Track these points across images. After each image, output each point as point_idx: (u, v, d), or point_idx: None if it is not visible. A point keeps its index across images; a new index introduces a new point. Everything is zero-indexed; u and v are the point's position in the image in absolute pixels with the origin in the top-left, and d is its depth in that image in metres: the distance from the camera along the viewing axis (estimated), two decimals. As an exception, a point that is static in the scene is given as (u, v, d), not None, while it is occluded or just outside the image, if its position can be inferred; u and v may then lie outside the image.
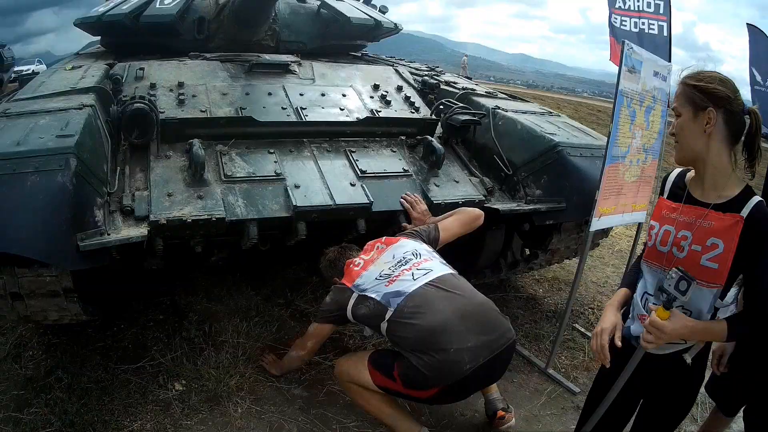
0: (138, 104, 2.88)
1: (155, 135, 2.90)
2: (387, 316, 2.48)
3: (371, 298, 2.56)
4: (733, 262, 1.63)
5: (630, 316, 1.98)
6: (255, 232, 2.79)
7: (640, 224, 3.49)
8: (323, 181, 3.07)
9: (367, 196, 3.04)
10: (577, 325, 4.08)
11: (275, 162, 3.08)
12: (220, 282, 3.98)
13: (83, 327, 3.40)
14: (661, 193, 1.89)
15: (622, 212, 3.18)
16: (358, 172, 3.19)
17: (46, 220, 2.17)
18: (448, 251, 4.29)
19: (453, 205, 3.18)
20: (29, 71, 17.82)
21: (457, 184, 3.37)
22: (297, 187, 2.98)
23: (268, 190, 2.94)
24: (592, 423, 2.13)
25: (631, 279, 2.01)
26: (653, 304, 1.79)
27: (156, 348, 3.37)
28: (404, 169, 3.32)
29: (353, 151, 3.33)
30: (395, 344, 2.53)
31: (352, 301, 2.63)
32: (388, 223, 3.23)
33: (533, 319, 4.11)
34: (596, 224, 3.03)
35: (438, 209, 3.17)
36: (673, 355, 1.84)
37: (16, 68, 18.05)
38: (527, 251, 3.97)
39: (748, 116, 1.66)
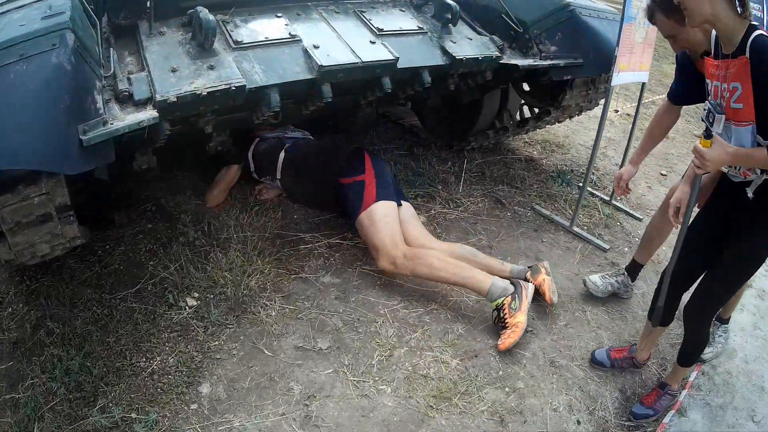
0: None
1: (148, 10, 2.38)
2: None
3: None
4: (757, 100, 1.76)
5: None
6: (277, 100, 2.42)
7: (643, 84, 3.55)
8: (342, 40, 2.68)
9: (390, 52, 2.71)
10: (580, 184, 4.00)
11: (286, 25, 2.63)
12: (206, 176, 3.45)
13: (62, 260, 2.83)
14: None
15: (633, 70, 3.33)
16: (375, 30, 2.82)
17: (39, 115, 1.73)
18: (446, 116, 4.20)
19: (473, 61, 2.99)
20: None
21: (471, 41, 3.13)
22: (316, 47, 2.56)
23: (285, 53, 2.51)
24: (672, 261, 2.21)
25: None
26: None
27: (153, 263, 2.87)
28: (419, 27, 3.00)
29: (363, 12, 2.95)
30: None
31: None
32: (410, 83, 2.96)
33: (539, 179, 4.02)
34: (616, 79, 3.17)
35: (460, 64, 2.94)
36: (738, 190, 1.99)
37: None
38: (536, 110, 3.90)
39: None
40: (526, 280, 2.79)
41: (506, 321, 2.57)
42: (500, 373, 2.46)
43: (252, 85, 2.30)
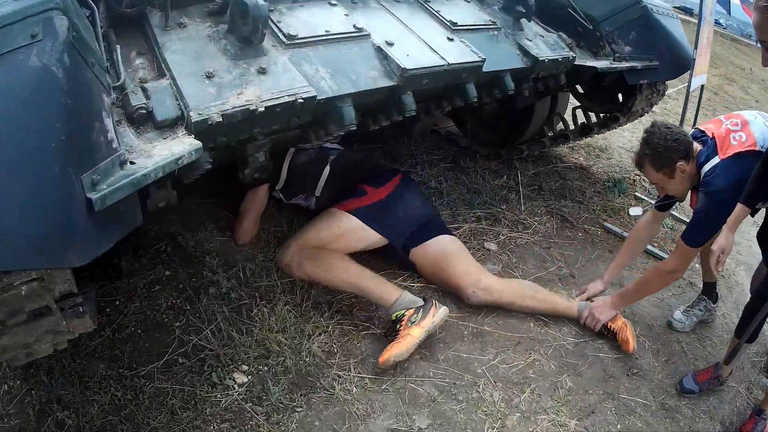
0: None
1: None
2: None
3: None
4: None
5: None
6: (352, 115, 1.84)
7: (702, 86, 3.40)
8: (416, 36, 2.14)
9: (475, 52, 2.20)
10: (637, 193, 3.70)
11: (346, 15, 2.04)
12: (229, 202, 2.82)
13: None
14: None
15: (700, 73, 3.25)
16: (449, 24, 2.29)
17: (12, 169, 1.04)
18: (491, 123, 3.75)
19: (553, 63, 2.55)
20: None
21: (544, 39, 2.68)
22: (390, 44, 2.00)
23: (353, 51, 1.93)
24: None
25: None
26: None
27: (179, 323, 2.25)
28: (492, 21, 2.50)
29: (428, 0, 2.38)
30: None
31: None
32: (490, 89, 2.46)
33: (597, 190, 3.63)
34: (695, 82, 3.14)
35: (542, 67, 2.49)
36: None
37: None
38: (593, 115, 3.55)
39: None
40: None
41: (399, 332, 2.18)
42: (618, 427, 2.14)
43: (322, 96, 1.73)
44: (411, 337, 2.14)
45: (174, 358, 2.13)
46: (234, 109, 1.52)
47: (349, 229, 2.44)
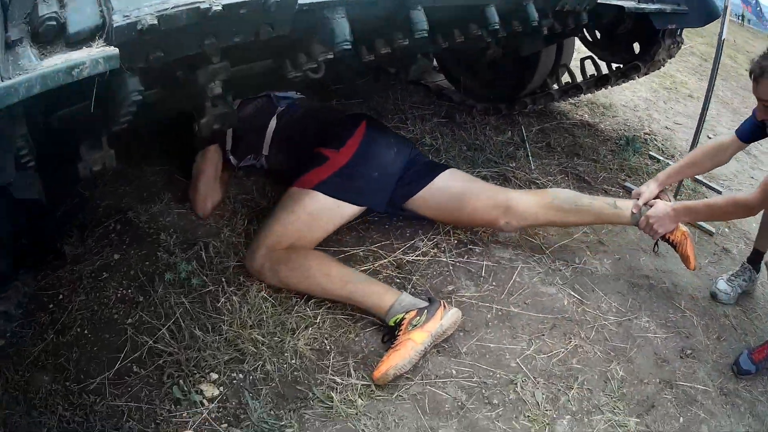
0: None
1: None
2: None
3: None
4: None
5: None
6: (346, 30, 1.37)
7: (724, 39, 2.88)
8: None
9: (495, -31, 1.71)
10: (652, 153, 3.31)
11: None
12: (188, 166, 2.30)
13: None
14: None
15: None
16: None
17: None
18: (487, 76, 3.30)
19: None
20: None
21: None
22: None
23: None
24: None
25: None
26: None
27: (131, 320, 1.78)
28: None
29: None
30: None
31: None
32: (509, 19, 2.00)
33: (610, 149, 3.20)
34: (725, 31, 2.70)
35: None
36: None
37: None
38: (604, 65, 3.15)
39: None
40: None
41: (397, 337, 1.74)
42: (681, 420, 1.81)
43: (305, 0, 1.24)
44: (412, 342, 1.68)
45: (127, 365, 1.68)
46: (177, 8, 1.01)
47: (318, 210, 1.98)
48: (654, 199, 2.19)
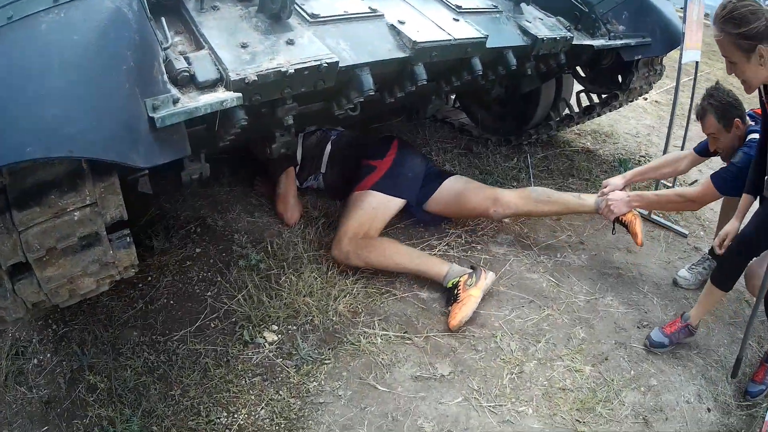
0: None
1: None
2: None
3: None
4: None
5: None
6: (370, 82, 2.04)
7: (697, 63, 3.48)
8: (425, 17, 2.35)
9: (478, 30, 2.40)
10: None
11: None
12: (252, 189, 3.07)
13: (94, 297, 2.27)
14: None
15: (692, 48, 3.27)
16: (454, 7, 2.50)
17: (92, 79, 1.26)
18: (499, 111, 3.96)
19: (552, 41, 2.72)
20: None
21: (543, 22, 2.86)
22: (402, 23, 2.20)
23: (369, 29, 2.14)
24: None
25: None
26: None
27: (211, 293, 2.42)
28: (493, 5, 2.70)
29: None
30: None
31: None
32: (494, 66, 2.65)
33: (603, 170, 3.77)
34: (685, 56, 3.15)
35: (541, 45, 2.66)
36: None
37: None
38: (594, 96, 3.73)
39: None
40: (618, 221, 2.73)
41: (458, 295, 2.37)
42: (632, 373, 2.27)
43: (344, 64, 1.92)
44: (473, 297, 2.34)
45: (206, 322, 2.28)
46: (267, 71, 1.71)
47: (378, 204, 2.65)
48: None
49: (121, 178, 1.63)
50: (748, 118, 2.46)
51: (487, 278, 2.43)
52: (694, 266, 2.82)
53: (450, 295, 2.41)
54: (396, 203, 2.71)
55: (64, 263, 1.50)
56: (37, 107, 1.17)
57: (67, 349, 2.14)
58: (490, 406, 2.03)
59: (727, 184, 2.33)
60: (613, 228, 2.80)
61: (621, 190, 2.72)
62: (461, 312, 2.30)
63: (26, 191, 1.33)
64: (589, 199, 2.76)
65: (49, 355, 2.13)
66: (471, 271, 2.44)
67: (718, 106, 2.43)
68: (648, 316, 2.57)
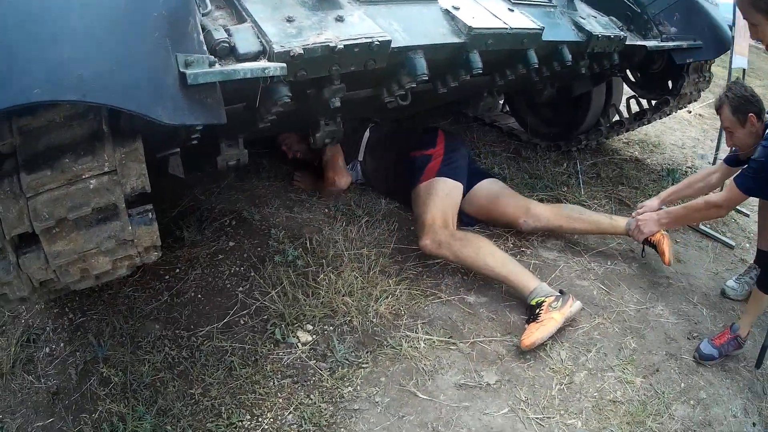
0: None
1: None
2: None
3: None
4: None
5: None
6: (423, 66, 1.91)
7: (744, 70, 3.45)
8: (479, 4, 2.23)
9: (534, 21, 2.27)
10: None
11: None
12: (291, 185, 3.00)
13: (116, 287, 2.23)
14: None
15: (740, 53, 3.24)
16: (510, -1, 2.38)
17: (117, 21, 1.15)
18: (549, 117, 3.88)
19: (607, 39, 2.61)
20: None
21: (597, 20, 2.75)
22: (456, 8, 2.09)
23: (423, 12, 2.03)
24: None
25: None
26: None
27: (242, 289, 2.31)
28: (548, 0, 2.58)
29: None
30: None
31: None
32: (548, 60, 2.52)
33: (652, 179, 3.64)
34: (736, 62, 3.11)
35: (596, 42, 2.55)
36: None
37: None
38: (645, 102, 3.59)
39: None
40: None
41: (539, 315, 2.20)
42: (682, 385, 2.16)
43: (396, 45, 1.80)
44: (554, 320, 2.18)
45: (235, 319, 2.18)
46: (315, 44, 1.58)
47: (450, 190, 2.62)
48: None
49: (150, 154, 1.48)
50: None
51: (573, 306, 2.24)
52: (741, 276, 2.73)
53: (531, 313, 2.26)
54: (460, 189, 2.67)
55: (76, 237, 1.35)
56: (52, 48, 1.05)
57: (82, 339, 2.05)
58: (537, 418, 1.89)
59: (749, 182, 2.17)
60: (643, 250, 2.69)
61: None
62: (538, 332, 2.14)
63: (38, 154, 1.21)
64: (620, 221, 2.68)
65: (62, 344, 2.05)
66: (559, 294, 2.28)
67: (733, 99, 2.39)
68: (698, 327, 2.43)
